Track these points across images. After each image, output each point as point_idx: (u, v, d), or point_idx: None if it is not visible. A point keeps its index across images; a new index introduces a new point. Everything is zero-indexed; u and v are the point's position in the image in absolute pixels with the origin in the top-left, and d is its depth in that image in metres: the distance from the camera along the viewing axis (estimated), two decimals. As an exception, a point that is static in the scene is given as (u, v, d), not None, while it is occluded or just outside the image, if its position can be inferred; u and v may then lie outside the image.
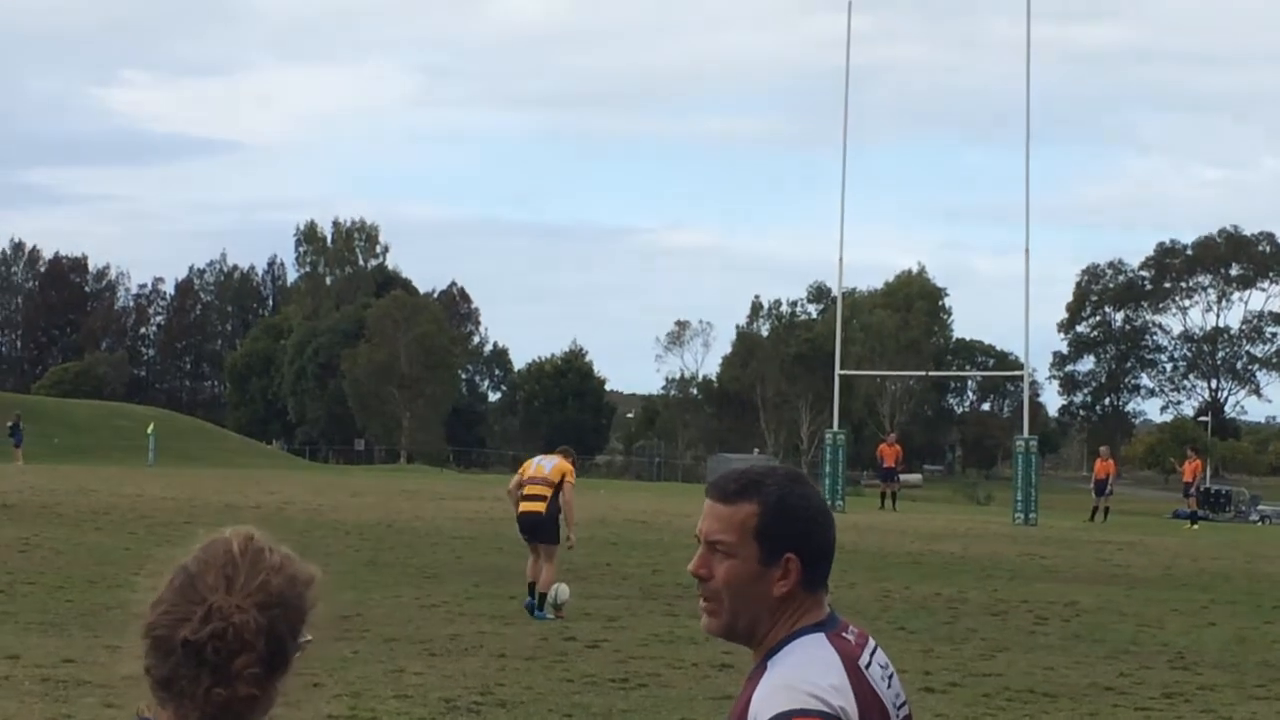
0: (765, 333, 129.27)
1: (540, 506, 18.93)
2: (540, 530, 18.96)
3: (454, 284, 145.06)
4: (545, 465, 19.31)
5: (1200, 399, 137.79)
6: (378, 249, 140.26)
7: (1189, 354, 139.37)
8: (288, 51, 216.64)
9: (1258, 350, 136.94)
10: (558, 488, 18.96)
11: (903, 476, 54.25)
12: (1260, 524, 65.95)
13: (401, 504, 40.64)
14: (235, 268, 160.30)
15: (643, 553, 28.20)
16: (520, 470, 19.78)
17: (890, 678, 3.18)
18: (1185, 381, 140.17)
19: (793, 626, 3.13)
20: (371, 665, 14.58)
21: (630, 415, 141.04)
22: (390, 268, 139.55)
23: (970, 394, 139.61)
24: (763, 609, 3.14)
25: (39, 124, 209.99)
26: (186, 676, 2.55)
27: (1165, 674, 15.97)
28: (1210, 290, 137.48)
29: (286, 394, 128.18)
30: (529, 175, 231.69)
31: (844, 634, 3.15)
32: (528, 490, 19.11)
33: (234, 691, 2.53)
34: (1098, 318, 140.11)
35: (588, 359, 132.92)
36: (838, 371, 53.35)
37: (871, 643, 3.21)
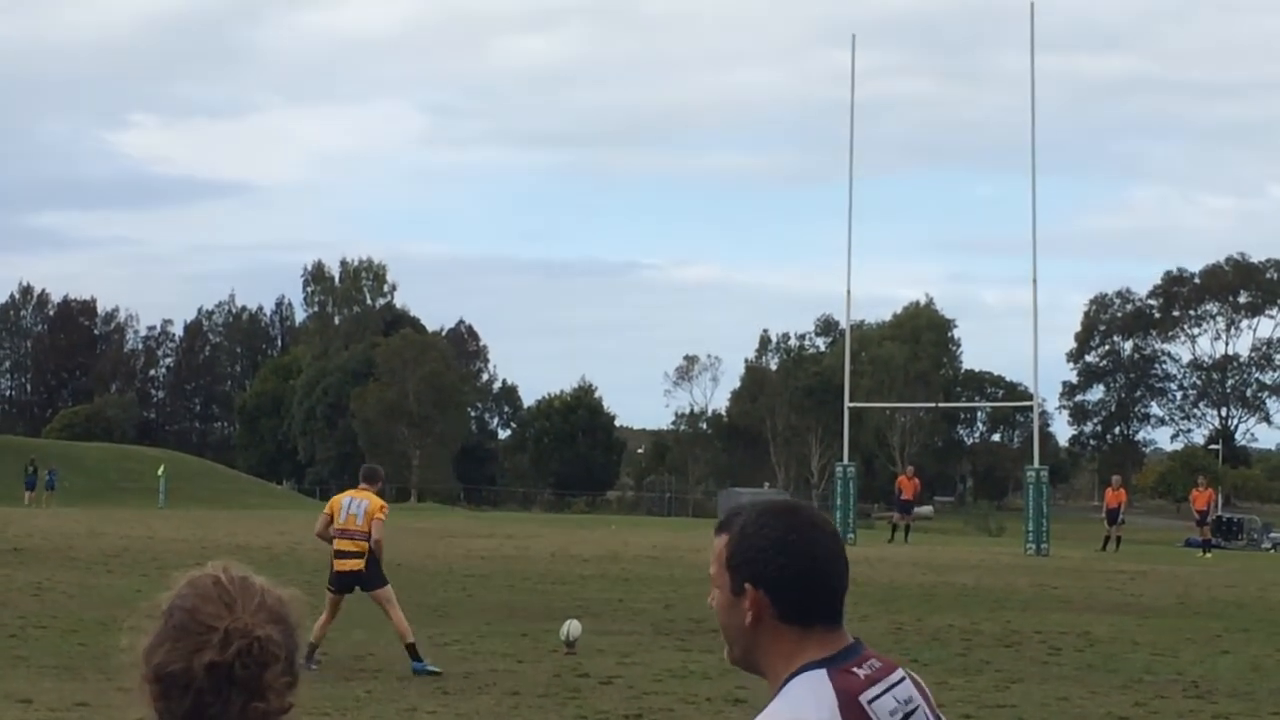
0: (774, 366, 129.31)
1: (359, 565, 17.55)
2: (364, 583, 17.57)
3: (462, 322, 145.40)
4: (357, 513, 17.65)
5: (1210, 427, 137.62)
6: (385, 288, 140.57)
7: (1198, 382, 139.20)
8: (295, 93, 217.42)
9: (1267, 378, 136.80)
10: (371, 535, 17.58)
11: (915, 509, 54.17)
12: (1272, 551, 65.83)
13: (412, 542, 40.59)
14: (244, 309, 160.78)
15: (655, 588, 28.16)
16: (329, 507, 18.14)
17: (911, 714, 3.16)
18: (1195, 410, 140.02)
19: (796, 662, 3.13)
20: (385, 705, 14.56)
21: (640, 450, 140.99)
22: (398, 306, 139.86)
23: (980, 425, 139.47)
24: (747, 639, 3.18)
25: (47, 167, 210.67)
26: (215, 702, 2.57)
27: (1180, 703, 15.93)
28: (1219, 318, 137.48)
29: (296, 434, 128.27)
30: (536, 213, 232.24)
31: (855, 669, 3.13)
32: (340, 545, 17.65)
33: (269, 705, 2.56)
34: (1106, 347, 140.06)
35: (597, 395, 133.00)
36: (847, 404, 53.39)
37: (895, 677, 3.19)
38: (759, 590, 3.14)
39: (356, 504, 17.76)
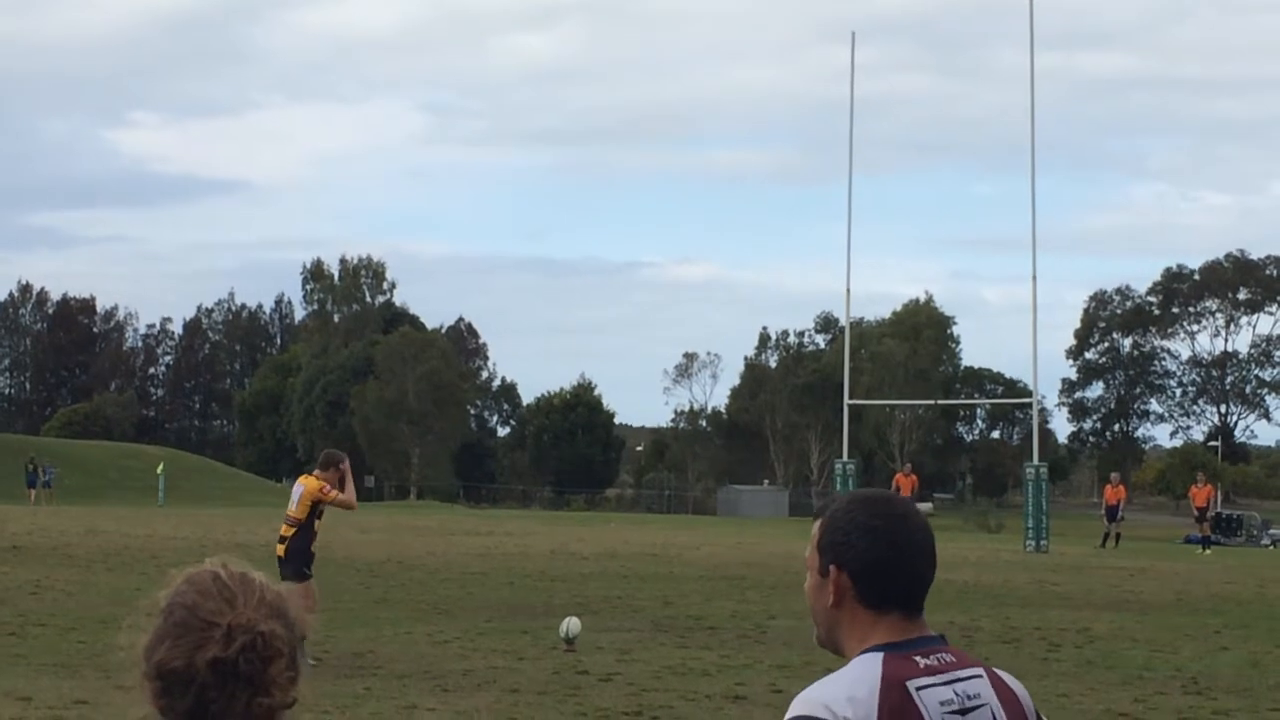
0: (773, 364, 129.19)
1: (281, 550, 17.52)
2: (282, 569, 17.11)
3: (461, 320, 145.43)
4: (294, 498, 17.78)
5: (1210, 424, 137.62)
6: (385, 286, 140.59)
7: (1198, 379, 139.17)
8: (295, 91, 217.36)
9: (1266, 374, 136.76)
10: (306, 521, 17.49)
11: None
12: (1272, 548, 65.81)
13: (412, 540, 40.63)
14: (243, 306, 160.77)
15: (654, 585, 28.16)
16: None
17: (970, 711, 3.20)
18: (1194, 406, 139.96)
19: (866, 644, 3.24)
20: (384, 702, 14.55)
21: (640, 448, 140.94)
22: (398, 304, 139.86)
23: (980, 422, 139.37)
24: (830, 621, 3.31)
25: (47, 166, 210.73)
26: (219, 698, 2.57)
27: (1179, 699, 15.93)
28: (1218, 315, 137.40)
29: (296, 432, 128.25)
30: (536, 211, 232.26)
31: (917, 657, 3.21)
32: (280, 530, 17.96)
33: (274, 700, 2.56)
34: (1106, 344, 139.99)
35: (596, 393, 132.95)
36: (846, 401, 53.43)
37: (964, 673, 3.25)
38: (842, 573, 3.27)
39: (296, 489, 17.86)
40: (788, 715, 3.11)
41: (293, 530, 17.53)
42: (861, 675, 3.15)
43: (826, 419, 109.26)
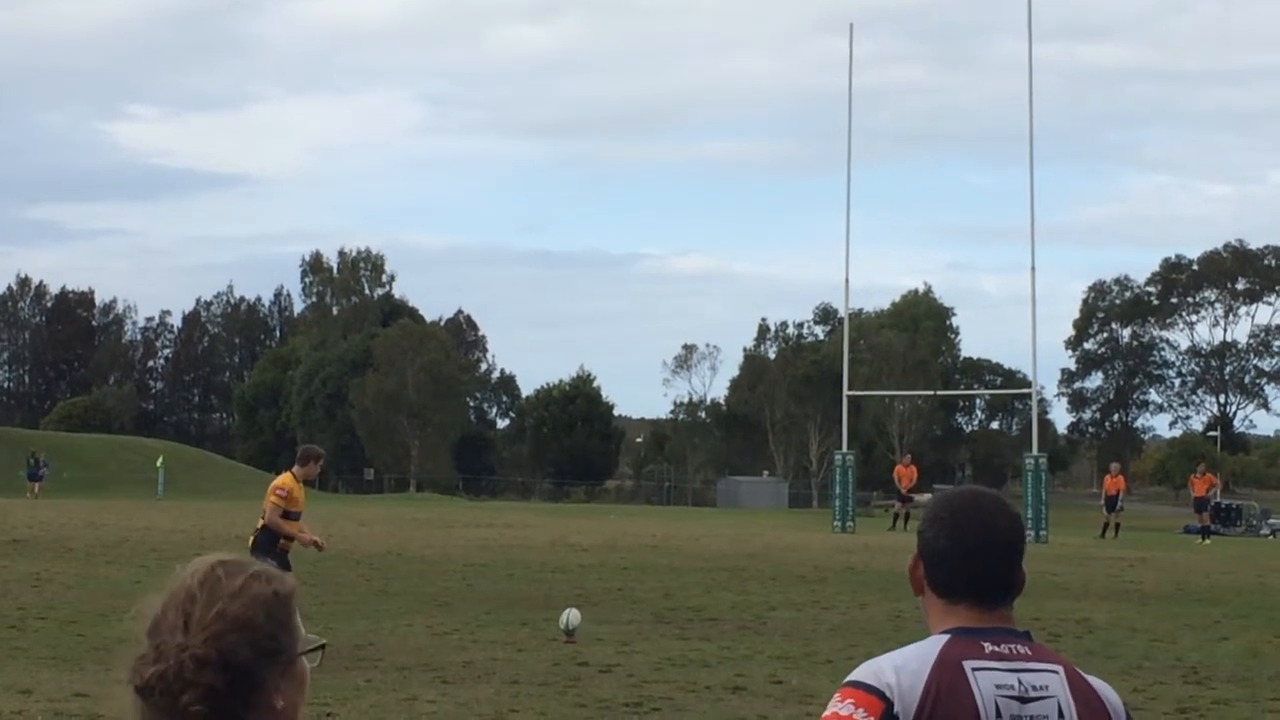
0: (773, 355, 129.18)
1: (250, 542, 17.74)
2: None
3: (460, 312, 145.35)
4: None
5: (1209, 414, 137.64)
6: (384, 278, 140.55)
7: (1197, 369, 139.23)
8: (294, 83, 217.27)
9: (1265, 364, 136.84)
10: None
11: (914, 497, 54.17)
12: (1271, 538, 65.87)
13: (411, 532, 40.62)
14: (242, 299, 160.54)
15: (654, 577, 28.16)
16: None
17: (1031, 701, 3.21)
18: (1194, 397, 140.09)
19: (940, 628, 3.33)
20: (385, 694, 14.56)
21: (639, 440, 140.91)
22: (397, 297, 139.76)
23: (979, 413, 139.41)
24: (922, 606, 3.44)
25: (46, 159, 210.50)
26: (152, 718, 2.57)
27: (1179, 689, 15.95)
28: (1217, 305, 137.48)
29: (295, 424, 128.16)
30: (534, 203, 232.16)
31: (985, 643, 3.25)
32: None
33: None
34: (1105, 334, 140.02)
35: (595, 384, 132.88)
36: (846, 392, 53.41)
37: (1035, 666, 3.26)
38: (919, 561, 3.41)
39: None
40: (844, 680, 3.23)
41: (261, 523, 17.80)
42: (921, 651, 3.23)
43: (826, 410, 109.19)
